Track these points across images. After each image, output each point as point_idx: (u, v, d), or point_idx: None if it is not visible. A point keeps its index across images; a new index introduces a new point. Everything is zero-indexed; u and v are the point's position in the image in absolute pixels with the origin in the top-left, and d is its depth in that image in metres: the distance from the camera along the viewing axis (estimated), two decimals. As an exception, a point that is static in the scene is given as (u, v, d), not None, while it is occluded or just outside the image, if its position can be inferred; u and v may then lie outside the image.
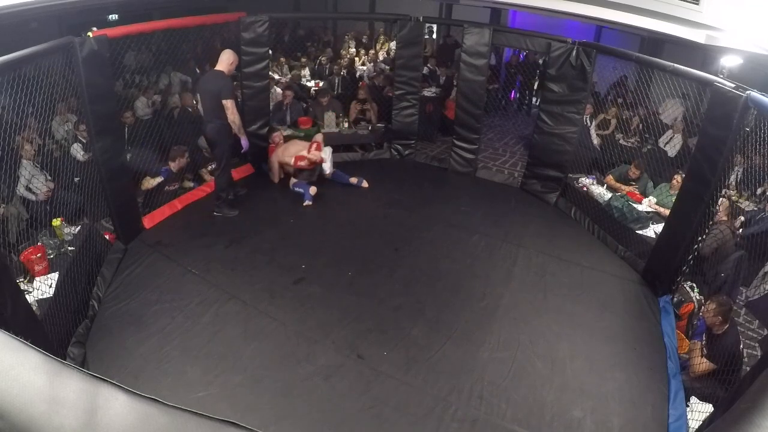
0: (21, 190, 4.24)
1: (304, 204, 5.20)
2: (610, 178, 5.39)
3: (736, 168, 5.08)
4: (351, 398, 2.99)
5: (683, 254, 3.89)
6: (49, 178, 4.38)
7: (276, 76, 7.54)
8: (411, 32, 5.92)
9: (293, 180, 5.46)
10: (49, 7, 4.83)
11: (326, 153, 5.44)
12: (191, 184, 5.31)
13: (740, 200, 5.11)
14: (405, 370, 3.21)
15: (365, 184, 5.70)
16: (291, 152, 5.42)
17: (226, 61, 4.46)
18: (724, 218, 4.23)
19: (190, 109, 5.86)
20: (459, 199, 5.61)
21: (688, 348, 3.49)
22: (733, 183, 5.14)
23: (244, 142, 4.75)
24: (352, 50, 9.34)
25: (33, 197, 4.27)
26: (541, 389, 3.15)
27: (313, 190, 5.25)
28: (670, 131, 6.37)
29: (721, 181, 3.62)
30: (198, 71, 6.72)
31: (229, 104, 4.38)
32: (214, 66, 4.54)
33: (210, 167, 5.40)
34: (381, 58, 9.01)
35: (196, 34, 5.31)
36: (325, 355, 3.29)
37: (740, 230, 4.58)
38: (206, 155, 5.50)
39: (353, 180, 5.70)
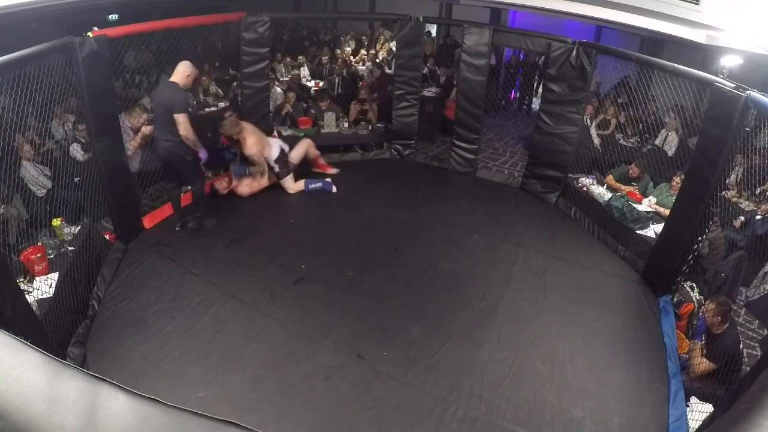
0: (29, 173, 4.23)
1: (333, 191, 5.45)
2: (609, 179, 5.38)
3: (736, 168, 5.09)
4: (351, 398, 2.99)
5: (683, 254, 3.89)
6: (48, 174, 4.39)
7: (279, 78, 7.53)
8: (411, 32, 5.92)
9: (298, 183, 5.35)
10: (49, 7, 4.84)
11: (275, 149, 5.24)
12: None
13: (740, 200, 5.11)
14: (405, 370, 3.21)
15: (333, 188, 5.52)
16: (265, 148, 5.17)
17: (182, 73, 4.14)
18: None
19: (189, 109, 5.84)
20: (459, 199, 5.60)
21: (688, 348, 3.49)
22: (733, 182, 5.14)
23: (202, 153, 4.38)
24: (348, 49, 9.32)
25: (41, 193, 4.27)
26: (541, 389, 3.15)
27: (329, 178, 5.53)
28: (664, 130, 6.39)
29: (721, 181, 3.62)
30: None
31: (181, 118, 4.02)
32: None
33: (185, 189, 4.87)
34: (380, 58, 9.00)
35: (196, 34, 5.29)
36: (325, 355, 3.29)
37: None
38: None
39: (331, 171, 5.76)
